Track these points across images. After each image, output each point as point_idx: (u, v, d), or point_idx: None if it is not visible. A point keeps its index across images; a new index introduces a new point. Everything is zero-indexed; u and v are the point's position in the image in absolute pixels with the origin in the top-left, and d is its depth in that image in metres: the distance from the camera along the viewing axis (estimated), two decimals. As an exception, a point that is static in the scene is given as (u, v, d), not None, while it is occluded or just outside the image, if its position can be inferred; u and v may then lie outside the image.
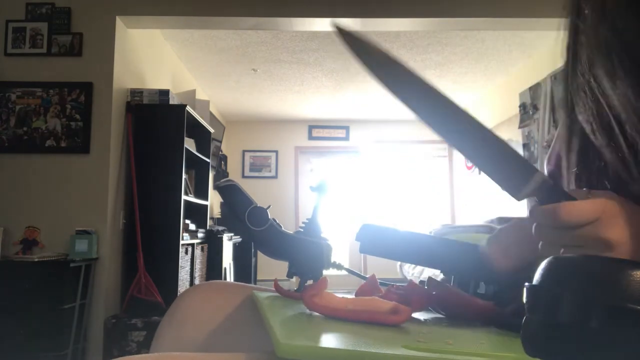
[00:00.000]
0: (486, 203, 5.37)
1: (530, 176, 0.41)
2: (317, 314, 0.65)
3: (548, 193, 0.41)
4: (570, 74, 0.51)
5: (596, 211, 0.37)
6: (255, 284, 5.07)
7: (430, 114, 0.45)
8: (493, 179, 0.43)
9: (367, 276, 0.85)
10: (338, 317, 0.63)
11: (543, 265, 0.30)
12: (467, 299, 0.73)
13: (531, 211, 0.42)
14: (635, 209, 0.40)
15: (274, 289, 0.86)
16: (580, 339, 0.27)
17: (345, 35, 0.46)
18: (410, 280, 0.80)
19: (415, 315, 0.74)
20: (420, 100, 0.46)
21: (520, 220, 0.66)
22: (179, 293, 2.98)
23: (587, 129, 0.49)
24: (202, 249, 3.95)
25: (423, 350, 0.48)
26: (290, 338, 0.49)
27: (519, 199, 0.42)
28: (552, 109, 3.85)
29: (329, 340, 0.51)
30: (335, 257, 0.96)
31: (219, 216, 5.27)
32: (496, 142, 0.43)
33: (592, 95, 0.47)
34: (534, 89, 4.15)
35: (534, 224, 0.41)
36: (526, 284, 0.30)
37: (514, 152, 0.43)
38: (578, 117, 0.50)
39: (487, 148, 0.43)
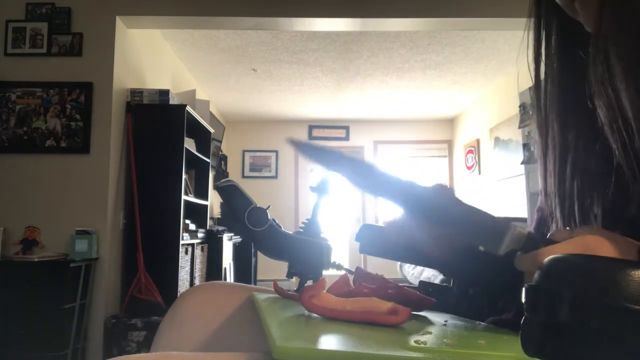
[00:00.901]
0: (486, 203, 5.37)
1: (505, 232, 0.44)
2: (315, 315, 0.65)
3: (527, 242, 0.43)
4: (590, 63, 0.52)
5: (574, 251, 0.38)
6: (255, 284, 5.08)
7: (398, 199, 0.49)
8: (474, 242, 0.46)
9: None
10: (336, 318, 0.63)
11: (542, 265, 0.30)
12: (399, 290, 0.74)
13: (515, 261, 0.44)
14: (617, 240, 0.40)
15: (273, 289, 0.86)
16: (580, 339, 0.27)
17: (299, 146, 0.51)
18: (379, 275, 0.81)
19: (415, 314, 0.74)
20: (385, 189, 0.50)
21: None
22: (179, 293, 2.98)
23: (604, 121, 0.49)
24: (202, 249, 3.95)
25: (422, 351, 0.48)
26: (287, 340, 0.49)
27: (500, 254, 0.45)
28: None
29: (327, 342, 0.51)
30: (335, 258, 0.96)
31: (219, 216, 5.27)
32: (467, 210, 0.47)
33: (606, 88, 0.48)
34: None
35: (524, 272, 0.43)
36: (525, 284, 0.30)
37: (485, 215, 0.46)
38: (597, 110, 0.50)
39: (460, 218, 0.47)
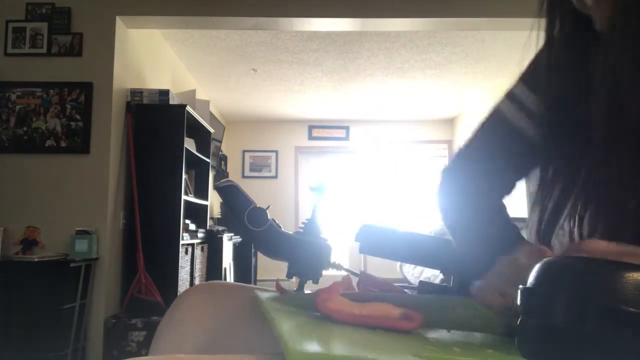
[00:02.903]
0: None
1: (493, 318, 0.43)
2: (323, 318, 0.65)
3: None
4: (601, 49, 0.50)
5: None
6: (255, 284, 5.07)
7: None
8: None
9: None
10: (348, 322, 0.63)
11: (538, 267, 0.30)
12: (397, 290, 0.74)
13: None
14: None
15: (274, 289, 0.86)
16: (575, 342, 0.27)
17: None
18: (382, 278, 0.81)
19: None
20: None
21: (511, 259, 0.58)
22: (179, 293, 2.98)
23: (597, 110, 0.48)
24: (202, 249, 3.95)
25: (431, 359, 0.48)
26: (301, 345, 0.49)
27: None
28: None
29: (343, 347, 0.51)
30: (334, 258, 0.96)
31: (219, 216, 5.27)
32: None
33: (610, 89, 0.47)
34: (534, 89, 4.15)
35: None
36: (521, 286, 0.31)
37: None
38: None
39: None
